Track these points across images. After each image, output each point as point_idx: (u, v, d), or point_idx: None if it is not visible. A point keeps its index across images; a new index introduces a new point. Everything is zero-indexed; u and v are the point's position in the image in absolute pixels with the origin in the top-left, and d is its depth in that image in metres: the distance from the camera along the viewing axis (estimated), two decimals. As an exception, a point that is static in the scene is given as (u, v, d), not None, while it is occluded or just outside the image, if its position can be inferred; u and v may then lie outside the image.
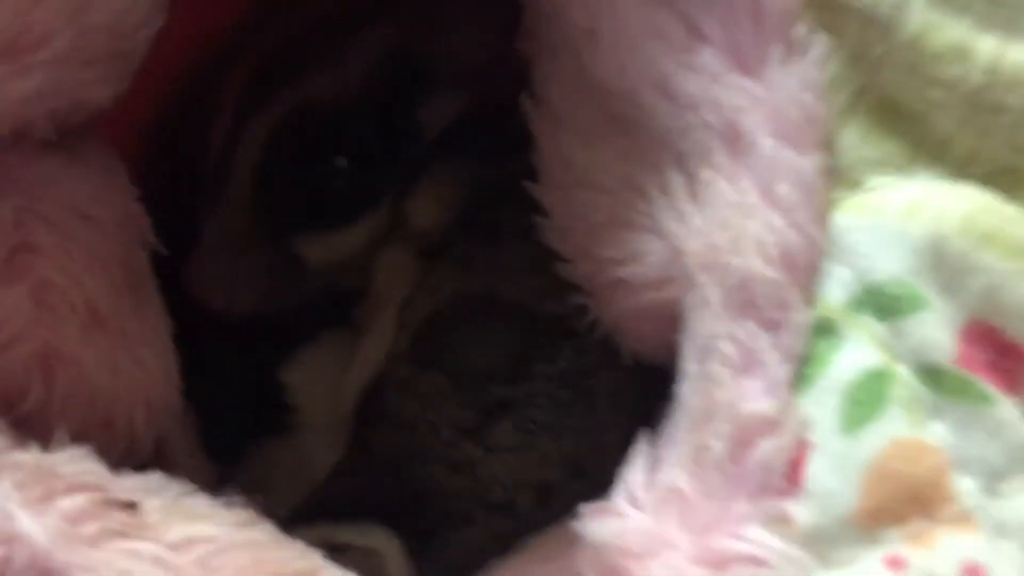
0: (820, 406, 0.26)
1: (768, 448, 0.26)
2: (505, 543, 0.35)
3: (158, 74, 0.36)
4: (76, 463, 0.26)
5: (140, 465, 0.30)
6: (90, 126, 0.33)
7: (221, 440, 0.40)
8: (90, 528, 0.25)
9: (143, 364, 0.32)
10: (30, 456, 0.26)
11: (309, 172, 0.39)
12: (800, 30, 0.26)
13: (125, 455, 0.31)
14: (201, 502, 0.27)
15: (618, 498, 0.29)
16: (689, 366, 0.28)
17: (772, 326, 0.26)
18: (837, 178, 0.27)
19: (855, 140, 0.27)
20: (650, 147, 0.30)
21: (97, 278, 0.30)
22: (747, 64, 0.27)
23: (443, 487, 0.36)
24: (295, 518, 0.34)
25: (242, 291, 0.40)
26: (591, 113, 0.32)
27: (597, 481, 0.35)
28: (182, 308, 0.36)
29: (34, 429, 0.28)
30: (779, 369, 0.26)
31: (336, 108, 0.39)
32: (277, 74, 0.40)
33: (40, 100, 0.28)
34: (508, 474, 0.36)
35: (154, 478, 0.27)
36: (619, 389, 0.36)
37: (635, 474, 0.29)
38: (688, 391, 0.28)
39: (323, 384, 0.41)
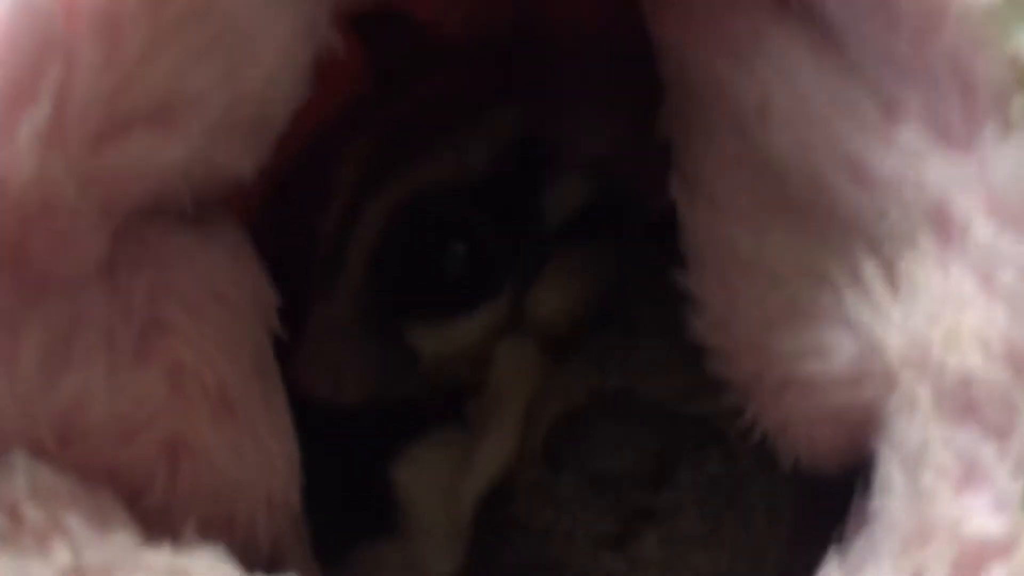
0: (1060, 528, 0.22)
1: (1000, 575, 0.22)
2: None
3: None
4: (211, 566, 0.24)
5: (253, 569, 0.27)
6: (222, 203, 0.32)
7: (325, 541, 0.37)
8: (227, 640, 0.22)
9: (268, 455, 0.30)
10: (162, 557, 0.23)
11: (426, 258, 0.38)
12: (1017, 105, 0.24)
13: (243, 557, 0.29)
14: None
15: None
16: (894, 478, 0.25)
17: (998, 433, 0.23)
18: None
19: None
20: (835, 232, 0.27)
21: (230, 362, 0.28)
22: (956, 141, 0.24)
23: None
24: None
25: (350, 380, 0.39)
26: (758, 197, 0.30)
27: (756, 604, 0.32)
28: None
29: (157, 526, 0.26)
30: (1009, 482, 0.23)
31: (457, 193, 0.38)
32: (397, 155, 0.39)
33: (187, 170, 0.27)
34: None
35: (290, 583, 0.24)
36: (777, 500, 0.33)
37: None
38: (895, 508, 0.24)
39: (437, 483, 0.39)
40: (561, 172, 0.38)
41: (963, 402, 0.23)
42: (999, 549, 0.22)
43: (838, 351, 0.27)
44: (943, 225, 0.25)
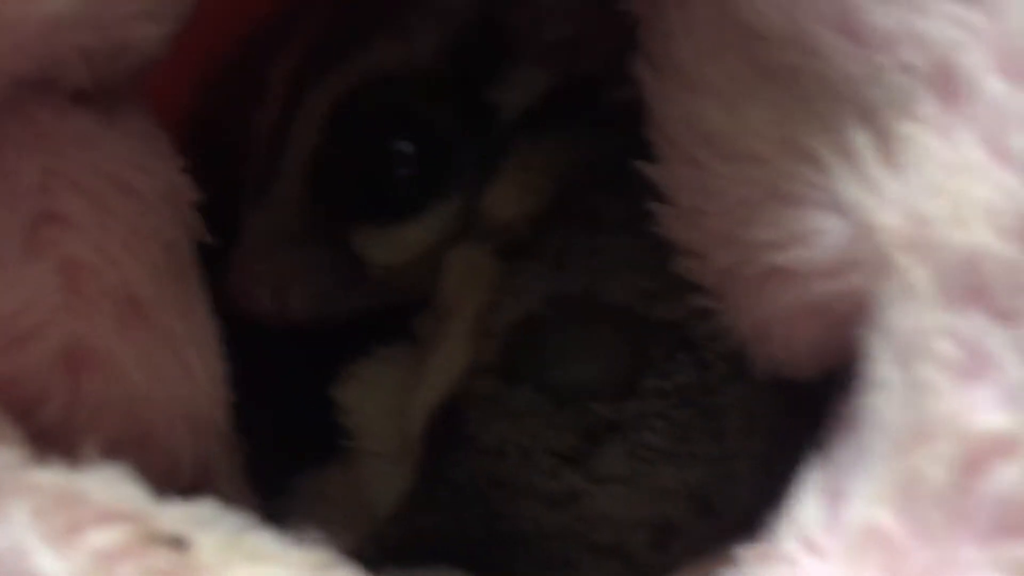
0: (1077, 422, 0.20)
1: (1007, 475, 0.20)
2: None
3: (200, 50, 0.31)
4: (110, 486, 0.21)
5: (178, 494, 0.24)
6: (130, 89, 0.28)
7: (263, 468, 0.34)
8: (127, 569, 0.19)
9: (188, 369, 0.27)
10: (53, 476, 0.20)
11: (370, 157, 0.35)
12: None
13: (161, 480, 0.26)
14: (266, 539, 0.22)
15: (786, 540, 0.24)
16: (885, 372, 0.22)
17: (1008, 317, 0.20)
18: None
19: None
20: (821, 102, 0.24)
21: (138, 260, 0.25)
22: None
23: (539, 525, 0.30)
24: (356, 561, 0.28)
25: (293, 293, 0.36)
26: (733, 68, 0.27)
27: (727, 520, 0.30)
28: (220, 316, 0.31)
29: (56, 442, 0.23)
30: (1019, 373, 0.20)
31: (403, 85, 0.35)
32: (336, 47, 0.35)
33: (73, 30, 0.23)
34: (619, 510, 0.30)
35: (206, 508, 0.22)
36: (751, 409, 0.30)
37: (810, 510, 0.23)
38: (887, 405, 0.22)
39: (383, 403, 0.36)
40: (520, 60, 0.35)
41: (969, 285, 0.21)
42: (1007, 446, 0.20)
43: (825, 236, 0.24)
44: (947, 85, 0.22)
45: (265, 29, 0.38)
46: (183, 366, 0.26)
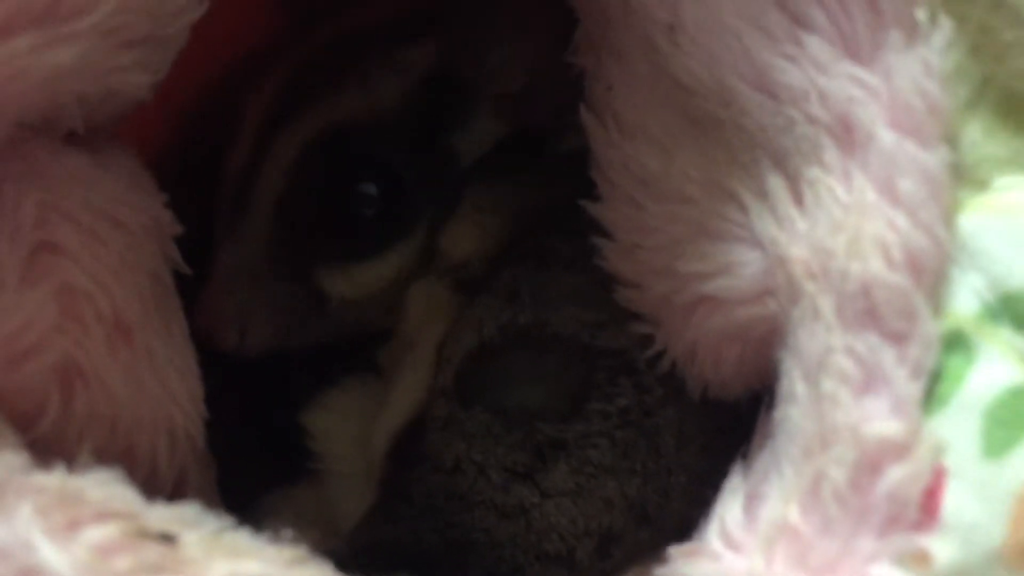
0: (957, 429, 0.23)
1: (898, 475, 0.23)
2: (563, 597, 0.32)
3: (176, 90, 0.34)
4: (105, 487, 0.23)
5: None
6: (115, 129, 0.30)
7: (237, 488, 0.36)
8: (122, 562, 0.21)
9: (169, 387, 0.29)
10: (54, 478, 0.22)
11: (335, 199, 0.37)
12: (920, 14, 0.24)
13: (142, 488, 0.28)
14: (244, 537, 0.24)
15: (710, 538, 0.26)
16: (796, 387, 0.25)
17: (897, 338, 0.23)
18: (961, 177, 0.24)
19: (979, 136, 0.25)
20: (742, 149, 0.27)
21: (126, 288, 0.27)
22: (860, 52, 0.25)
23: (492, 536, 0.33)
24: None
25: (256, 327, 0.37)
26: (666, 118, 0.30)
27: (663, 527, 0.32)
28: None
29: (49, 452, 0.25)
30: (907, 386, 0.23)
31: (367, 132, 0.37)
32: (305, 94, 0.38)
33: (73, 79, 0.25)
34: (566, 521, 0.32)
35: (190, 509, 0.24)
36: (685, 428, 0.33)
37: (732, 511, 0.26)
38: (796, 415, 0.25)
39: (349, 429, 0.38)
40: (475, 109, 0.38)
41: (864, 309, 0.24)
42: (898, 450, 0.23)
43: (745, 267, 0.27)
44: (846, 136, 0.25)
45: (239, 67, 0.40)
46: (164, 385, 0.29)
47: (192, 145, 0.41)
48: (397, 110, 0.37)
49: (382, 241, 0.37)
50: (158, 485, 0.29)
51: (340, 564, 0.29)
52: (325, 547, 0.34)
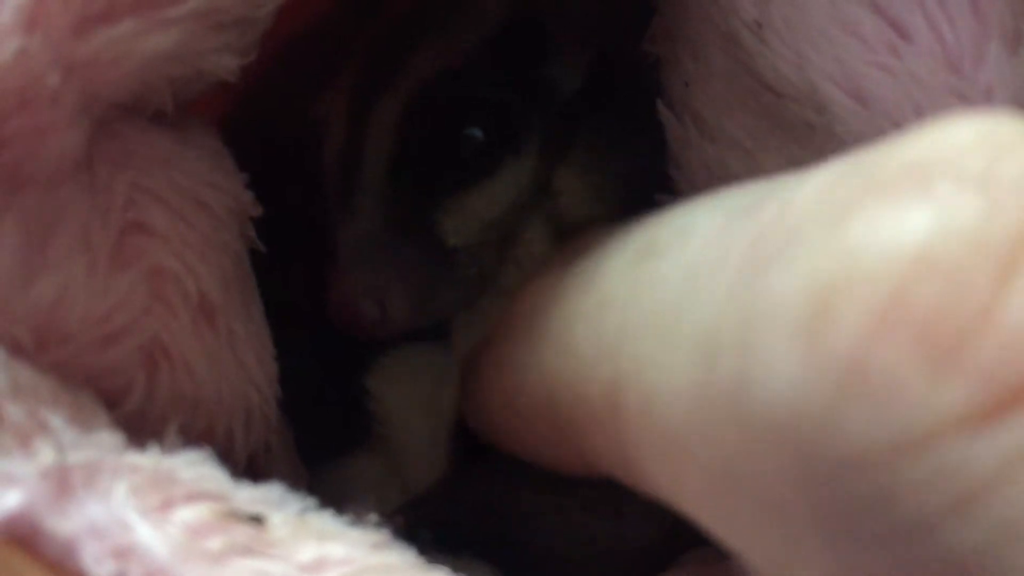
0: None
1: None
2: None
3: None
4: (196, 468, 0.23)
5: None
6: (195, 106, 0.31)
7: (305, 452, 0.36)
8: (214, 542, 0.22)
9: (247, 368, 0.29)
10: (148, 459, 0.23)
11: (445, 149, 0.36)
12: (1022, 22, 0.24)
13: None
14: (327, 519, 0.24)
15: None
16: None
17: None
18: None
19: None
20: (830, 154, 0.27)
21: (210, 269, 0.27)
22: (962, 64, 0.24)
23: (555, 531, 0.33)
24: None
25: (395, 298, 0.35)
26: (748, 119, 0.29)
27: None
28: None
29: (134, 431, 0.25)
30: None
31: (460, 77, 0.36)
32: (389, 65, 0.37)
33: (167, 64, 0.26)
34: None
35: (275, 490, 0.24)
36: None
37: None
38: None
39: (413, 393, 0.38)
40: (560, 46, 0.37)
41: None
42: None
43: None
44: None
45: (312, 41, 0.39)
46: (242, 366, 0.29)
47: (257, 123, 0.41)
48: (484, 53, 0.36)
49: (493, 160, 0.36)
50: (232, 463, 0.29)
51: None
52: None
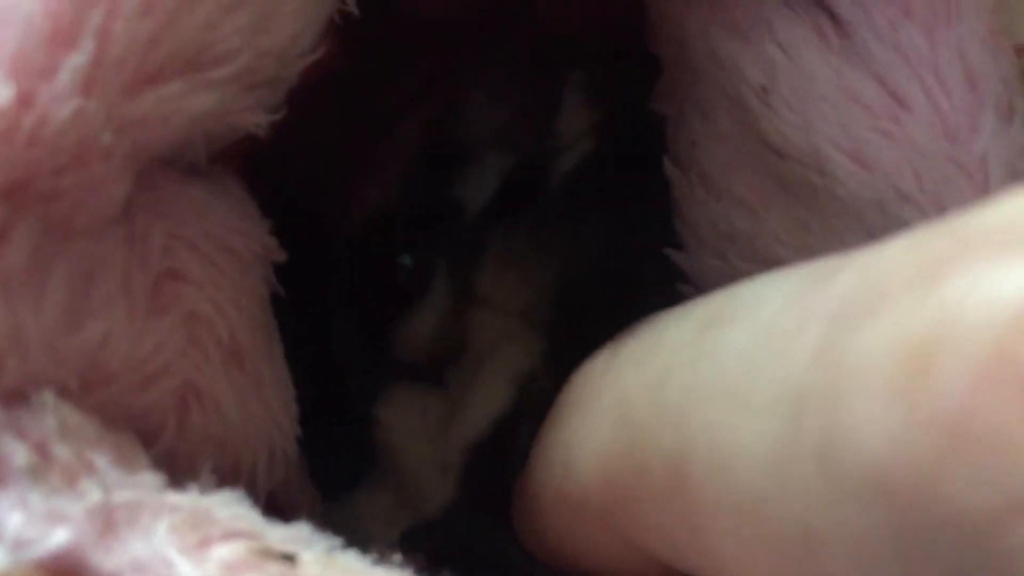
0: None
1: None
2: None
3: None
4: (231, 507, 0.24)
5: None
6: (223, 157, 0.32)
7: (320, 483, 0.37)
8: (249, 580, 0.23)
9: (271, 408, 0.30)
10: (187, 498, 0.24)
11: (384, 278, 0.39)
12: (1015, 96, 0.26)
13: (243, 505, 0.29)
14: (352, 558, 0.25)
15: None
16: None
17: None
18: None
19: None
20: (833, 216, 0.28)
21: (240, 313, 0.29)
22: (958, 133, 0.26)
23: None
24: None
25: None
26: (753, 179, 0.31)
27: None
28: None
29: (166, 470, 0.26)
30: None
31: (388, 211, 0.39)
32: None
33: (206, 121, 0.27)
34: None
35: (304, 529, 0.25)
36: None
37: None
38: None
39: (422, 424, 0.39)
40: (473, 158, 0.39)
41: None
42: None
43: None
44: (939, 216, 0.26)
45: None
46: (267, 406, 0.30)
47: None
48: (409, 182, 0.39)
49: (410, 299, 0.39)
50: (253, 499, 0.30)
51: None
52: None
